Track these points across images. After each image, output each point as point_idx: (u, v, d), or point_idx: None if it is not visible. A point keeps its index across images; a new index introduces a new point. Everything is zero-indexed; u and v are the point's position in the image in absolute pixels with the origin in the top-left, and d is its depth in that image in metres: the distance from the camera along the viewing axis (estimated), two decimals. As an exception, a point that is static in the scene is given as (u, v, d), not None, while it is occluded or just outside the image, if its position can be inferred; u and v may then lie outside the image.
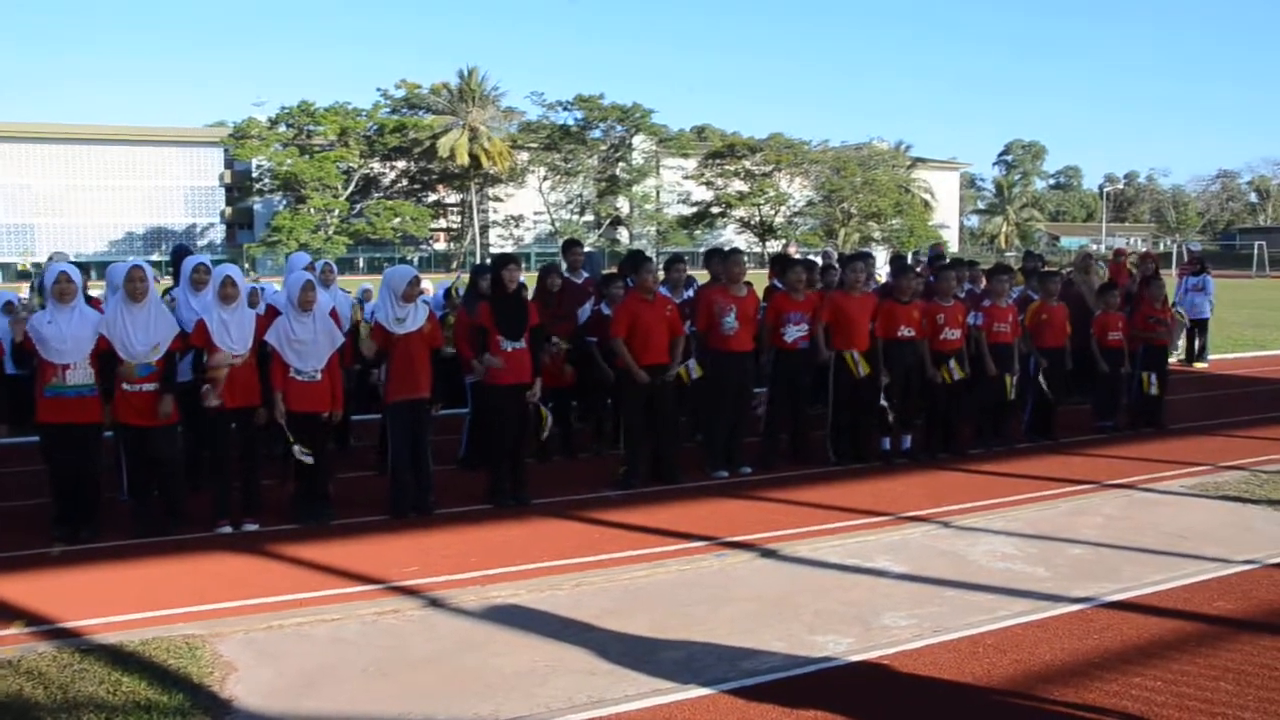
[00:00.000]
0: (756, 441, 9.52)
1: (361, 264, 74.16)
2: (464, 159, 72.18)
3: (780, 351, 9.32)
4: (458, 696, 4.63)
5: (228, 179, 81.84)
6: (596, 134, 78.48)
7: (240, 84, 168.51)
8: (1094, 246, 58.64)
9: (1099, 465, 9.53)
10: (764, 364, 9.53)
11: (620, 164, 79.65)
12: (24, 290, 18.64)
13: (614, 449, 9.50)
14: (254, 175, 76.62)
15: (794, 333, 9.28)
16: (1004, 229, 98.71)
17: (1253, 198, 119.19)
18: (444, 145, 72.13)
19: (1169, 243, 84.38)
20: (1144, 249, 55.74)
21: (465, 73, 75.49)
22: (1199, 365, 16.91)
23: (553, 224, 79.07)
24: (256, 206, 79.94)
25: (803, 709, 4.50)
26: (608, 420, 10.05)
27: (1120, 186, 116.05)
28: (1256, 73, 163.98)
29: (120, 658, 5.01)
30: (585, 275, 10.41)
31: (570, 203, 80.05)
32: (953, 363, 9.72)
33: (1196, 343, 17.12)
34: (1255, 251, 70.23)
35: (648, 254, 10.94)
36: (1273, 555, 6.77)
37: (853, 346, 9.31)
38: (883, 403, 9.46)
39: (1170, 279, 14.78)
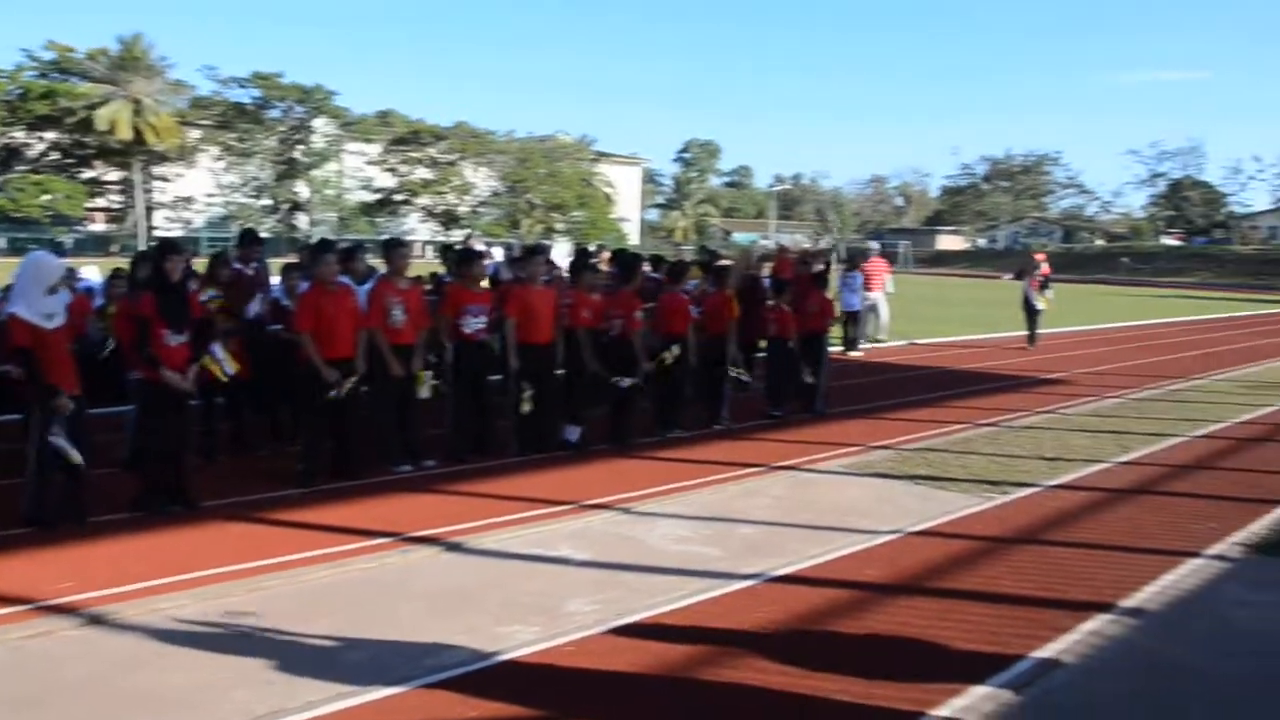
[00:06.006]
0: (441, 434, 9.47)
1: (3, 244, 66.89)
2: (125, 133, 66.55)
3: (461, 344, 9.30)
4: (122, 719, 4.30)
5: None
6: (275, 114, 74.72)
7: None
8: (764, 242, 62.43)
9: (766, 449, 10.17)
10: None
11: (300, 147, 76.38)
12: None
13: (293, 445, 9.12)
14: None
15: (473, 324, 9.29)
16: (682, 223, 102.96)
17: (899, 201, 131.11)
18: (102, 117, 66.17)
19: (829, 240, 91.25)
20: (806, 245, 59.86)
21: (127, 39, 69.72)
22: (853, 354, 18.39)
23: (226, 207, 74.72)
24: None
25: (487, 701, 4.53)
26: (285, 414, 9.63)
27: (787, 186, 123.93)
28: (902, 83, 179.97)
29: None
30: (257, 267, 9.94)
31: (246, 185, 75.90)
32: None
33: (850, 333, 18.66)
34: (901, 250, 77.64)
35: (331, 241, 10.54)
36: (914, 525, 7.53)
37: (536, 339, 9.44)
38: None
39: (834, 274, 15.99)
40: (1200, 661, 5.25)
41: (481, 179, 79.25)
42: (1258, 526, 7.71)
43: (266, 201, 75.74)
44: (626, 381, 9.97)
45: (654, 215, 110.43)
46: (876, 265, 20.16)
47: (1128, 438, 11.14)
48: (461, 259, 9.87)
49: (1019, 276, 21.68)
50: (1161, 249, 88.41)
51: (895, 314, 21.48)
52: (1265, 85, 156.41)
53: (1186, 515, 8.06)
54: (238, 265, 9.77)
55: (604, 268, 11.84)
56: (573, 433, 9.91)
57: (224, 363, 8.41)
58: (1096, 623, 5.68)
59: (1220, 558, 6.95)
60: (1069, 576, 6.52)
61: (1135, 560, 6.85)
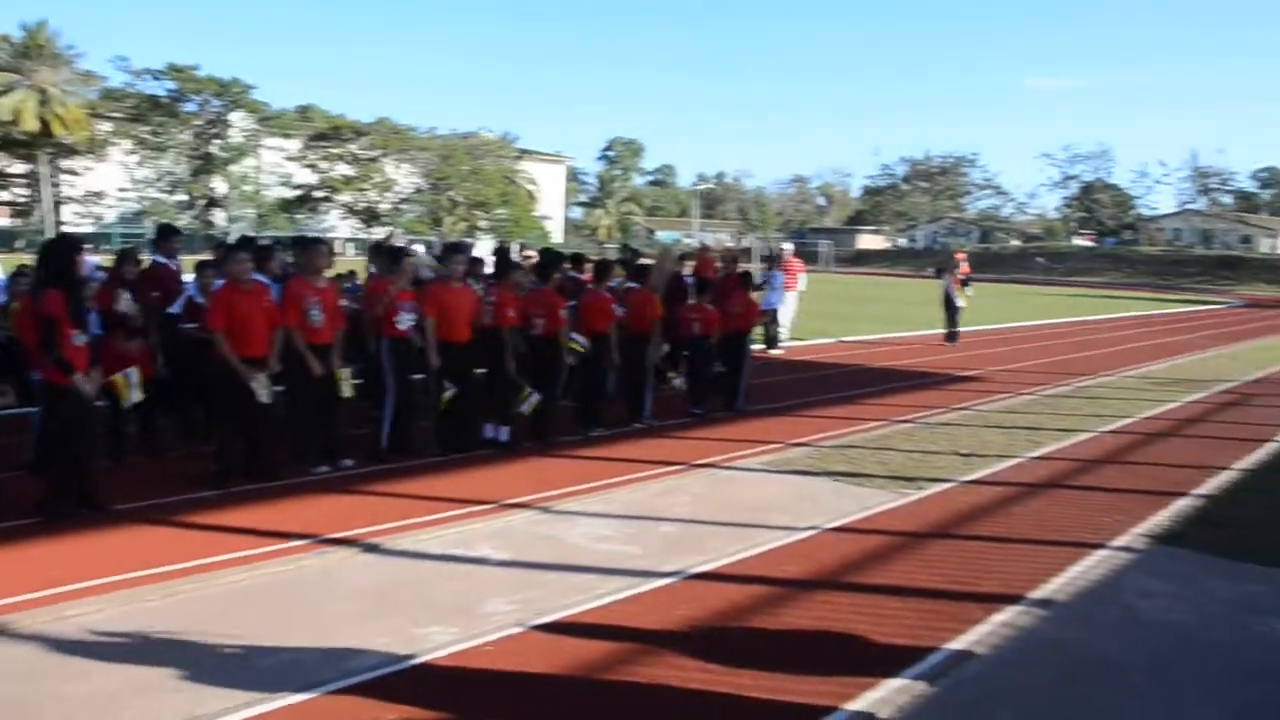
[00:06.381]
0: (360, 434, 9.36)
1: (-104, 239, 64.33)
2: (31, 124, 64.34)
3: (394, 340, 9.20)
4: (19, 728, 4.18)
5: None
6: (191, 107, 73.06)
7: None
8: (687, 241, 62.87)
9: (686, 447, 10.21)
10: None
11: (217, 141, 74.77)
12: None
13: (207, 446, 8.92)
14: None
15: (406, 320, 9.20)
16: (605, 222, 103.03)
17: (821, 201, 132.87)
18: (4, 107, 63.90)
19: (753, 239, 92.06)
20: (729, 244, 60.40)
21: (30, 26, 67.43)
22: (774, 352, 18.56)
23: (140, 203, 72.84)
24: None
25: (402, 704, 4.49)
26: (199, 414, 9.43)
27: (710, 185, 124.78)
28: (825, 83, 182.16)
29: None
30: (177, 263, 9.74)
31: (160, 180, 74.06)
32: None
33: (770, 331, 18.82)
34: (822, 249, 78.68)
35: (251, 239, 10.34)
36: (831, 521, 7.62)
37: (454, 338, 9.37)
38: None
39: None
40: (1107, 650, 5.40)
41: (403, 176, 78.37)
42: (1161, 518, 7.95)
43: (182, 197, 73.96)
44: (527, 407, 9.93)
45: (577, 213, 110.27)
46: (791, 265, 20.39)
47: (1040, 433, 11.42)
48: (393, 256, 9.77)
49: (939, 274, 22.31)
50: (1074, 249, 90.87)
51: (816, 312, 21.71)
52: (1167, 92, 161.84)
53: (1094, 508, 8.28)
54: (161, 258, 9.57)
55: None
56: (503, 432, 9.87)
57: (134, 388, 8.23)
58: (1007, 614, 5.81)
59: (1126, 549, 7.15)
60: (981, 569, 6.66)
61: (1045, 553, 7.02)
